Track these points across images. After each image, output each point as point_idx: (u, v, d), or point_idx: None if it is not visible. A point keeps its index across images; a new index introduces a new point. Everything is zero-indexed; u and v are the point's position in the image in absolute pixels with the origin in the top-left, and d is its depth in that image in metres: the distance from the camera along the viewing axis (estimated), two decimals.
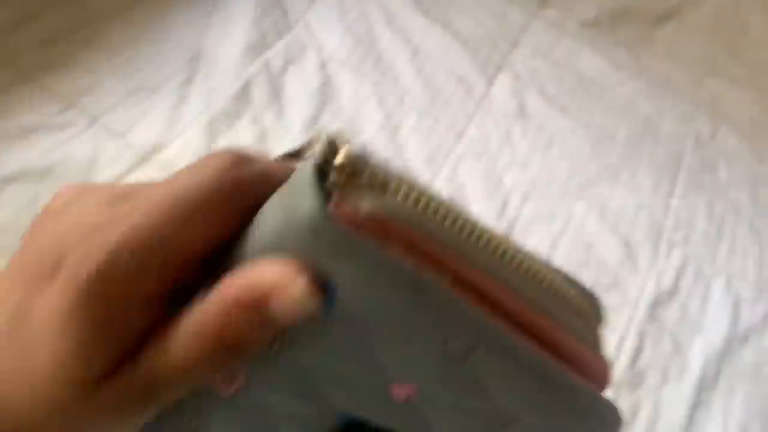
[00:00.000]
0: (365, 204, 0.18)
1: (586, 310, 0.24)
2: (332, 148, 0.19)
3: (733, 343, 0.84)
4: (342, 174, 0.18)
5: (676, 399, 0.79)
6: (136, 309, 0.19)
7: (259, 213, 0.20)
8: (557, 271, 0.24)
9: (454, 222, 0.19)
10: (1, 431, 0.19)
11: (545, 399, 0.21)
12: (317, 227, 0.18)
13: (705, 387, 0.80)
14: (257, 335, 0.19)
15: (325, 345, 0.19)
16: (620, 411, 0.23)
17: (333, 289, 0.18)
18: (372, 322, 0.19)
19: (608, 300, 0.90)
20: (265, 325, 0.19)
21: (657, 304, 0.85)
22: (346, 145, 0.19)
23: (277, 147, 0.89)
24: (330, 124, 0.91)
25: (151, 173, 0.81)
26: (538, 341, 0.20)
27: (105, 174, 0.80)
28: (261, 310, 0.18)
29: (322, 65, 0.96)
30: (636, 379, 0.79)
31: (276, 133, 0.89)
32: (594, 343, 0.24)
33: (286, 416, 0.21)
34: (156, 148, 0.84)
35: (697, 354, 0.82)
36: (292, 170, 0.21)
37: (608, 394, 0.75)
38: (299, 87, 0.94)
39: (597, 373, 0.23)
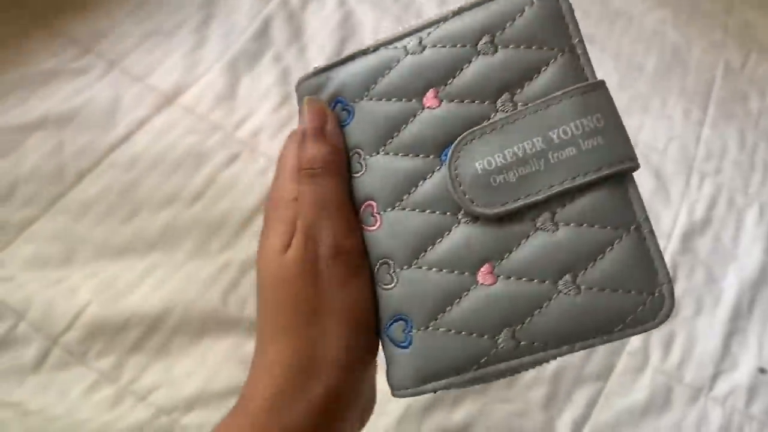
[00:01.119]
0: None
1: None
2: None
3: None
4: None
5: (711, 329, 0.79)
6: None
7: None
8: None
9: None
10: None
11: None
12: None
13: (739, 316, 0.80)
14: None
15: None
16: None
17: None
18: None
19: None
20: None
21: (690, 234, 0.84)
22: None
23: None
24: None
25: (174, 115, 0.80)
26: None
27: (128, 117, 0.79)
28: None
29: (342, 1, 0.93)
30: None
31: (299, 72, 0.87)
32: None
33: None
34: (177, 91, 0.83)
35: (731, 283, 0.82)
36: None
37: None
38: (320, 23, 0.91)
39: None
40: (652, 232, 0.27)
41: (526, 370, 0.28)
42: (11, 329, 0.64)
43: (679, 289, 0.80)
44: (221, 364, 0.65)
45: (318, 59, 0.88)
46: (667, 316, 0.27)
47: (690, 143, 0.92)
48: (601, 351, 0.74)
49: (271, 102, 0.84)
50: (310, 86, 0.31)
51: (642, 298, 0.27)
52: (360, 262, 0.30)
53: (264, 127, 0.82)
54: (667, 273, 0.27)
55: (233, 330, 0.67)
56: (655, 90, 0.95)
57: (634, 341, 0.76)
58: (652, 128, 0.91)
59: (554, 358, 0.28)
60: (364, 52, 0.30)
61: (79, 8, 0.87)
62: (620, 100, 0.92)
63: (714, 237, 0.85)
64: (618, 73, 0.95)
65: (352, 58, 0.31)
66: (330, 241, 0.29)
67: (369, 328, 0.29)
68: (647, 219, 0.28)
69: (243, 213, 0.74)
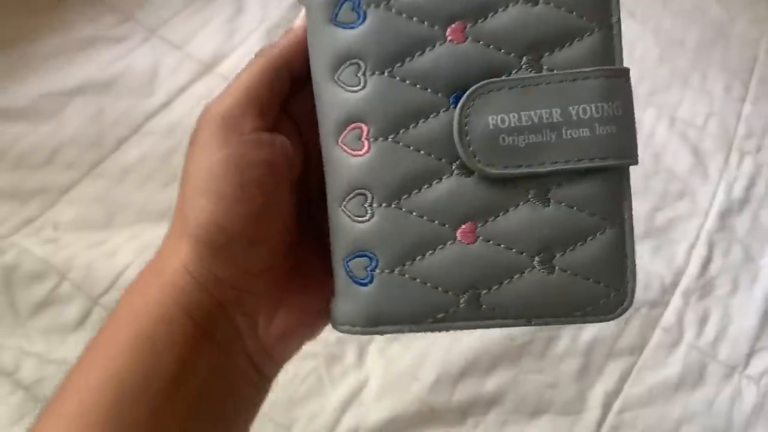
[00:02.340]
0: None
1: None
2: None
3: None
4: None
5: (747, 307, 0.78)
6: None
7: None
8: None
9: None
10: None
11: None
12: None
13: None
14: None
15: None
16: None
17: None
18: None
19: (677, 209, 0.88)
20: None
21: (727, 212, 0.83)
22: None
23: None
24: None
25: (213, 83, 0.81)
26: None
27: (167, 85, 0.80)
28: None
29: None
30: (706, 288, 0.78)
31: None
32: None
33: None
34: (216, 59, 0.83)
35: None
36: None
37: (677, 302, 0.73)
38: None
39: None
40: (632, 230, 0.28)
41: (474, 329, 0.28)
42: (54, 288, 0.66)
43: (715, 267, 0.79)
44: None
45: None
46: (625, 312, 0.28)
47: (730, 120, 0.90)
48: (635, 325, 0.74)
49: None
50: None
51: (607, 291, 0.28)
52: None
53: None
54: (635, 272, 0.28)
55: None
56: (696, 65, 0.93)
57: (669, 318, 0.75)
58: (691, 104, 0.90)
59: (506, 326, 0.28)
60: None
61: None
62: (660, 75, 0.91)
63: (752, 216, 0.84)
64: (659, 47, 0.93)
65: None
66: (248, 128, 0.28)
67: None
68: (631, 217, 0.28)
69: None
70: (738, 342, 0.75)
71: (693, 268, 0.79)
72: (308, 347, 0.33)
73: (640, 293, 0.76)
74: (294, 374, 0.65)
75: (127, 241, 0.69)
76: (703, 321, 0.76)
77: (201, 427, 0.28)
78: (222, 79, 0.81)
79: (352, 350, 0.68)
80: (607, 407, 0.70)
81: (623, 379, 0.71)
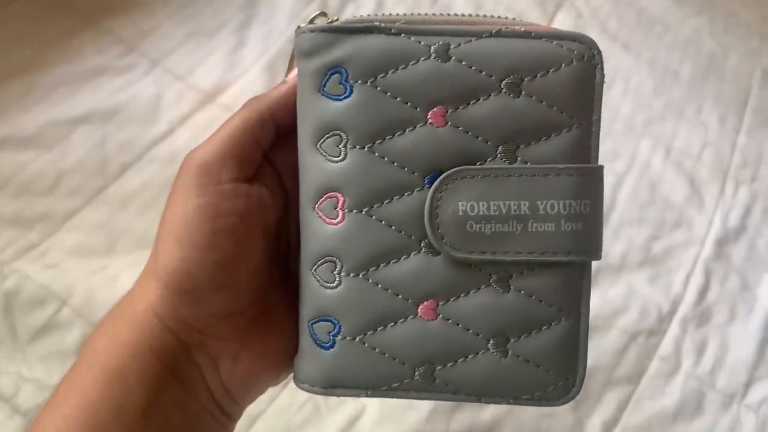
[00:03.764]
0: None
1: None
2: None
3: None
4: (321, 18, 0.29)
5: (744, 336, 0.78)
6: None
7: None
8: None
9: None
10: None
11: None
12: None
13: None
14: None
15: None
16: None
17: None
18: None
19: (674, 238, 0.89)
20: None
21: (724, 241, 0.84)
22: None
23: None
24: None
25: (214, 113, 0.82)
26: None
27: (170, 114, 0.81)
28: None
29: (380, 2, 0.95)
30: (703, 316, 0.78)
31: None
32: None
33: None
34: (218, 90, 0.85)
35: (766, 291, 0.81)
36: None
37: (675, 330, 0.74)
38: None
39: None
40: (587, 323, 0.29)
41: (427, 399, 0.30)
42: (55, 314, 0.66)
43: (712, 296, 0.80)
44: None
45: None
46: (571, 399, 0.30)
47: (725, 150, 0.91)
48: (632, 354, 0.74)
49: None
50: (312, 43, 0.28)
51: (556, 379, 0.29)
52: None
53: None
54: (585, 362, 0.29)
55: None
56: (691, 97, 0.95)
57: (666, 346, 0.75)
58: (686, 134, 0.91)
59: (457, 401, 0.29)
60: (385, 31, 0.28)
61: (124, 9, 0.89)
62: (655, 107, 0.92)
63: (749, 244, 0.84)
64: (653, 79, 0.95)
65: (369, 30, 0.28)
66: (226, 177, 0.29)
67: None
68: (587, 311, 0.29)
69: None
70: (736, 371, 0.75)
71: (690, 296, 0.79)
72: None
73: (638, 322, 0.76)
74: (290, 402, 0.66)
75: (128, 267, 0.70)
76: (700, 349, 0.77)
77: None
78: (223, 109, 0.83)
79: None
80: None
81: (621, 408, 0.71)
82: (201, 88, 0.84)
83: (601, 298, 0.77)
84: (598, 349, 0.74)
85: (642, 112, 0.91)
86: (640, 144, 0.88)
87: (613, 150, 0.87)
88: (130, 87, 0.83)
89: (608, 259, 0.79)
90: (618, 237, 0.81)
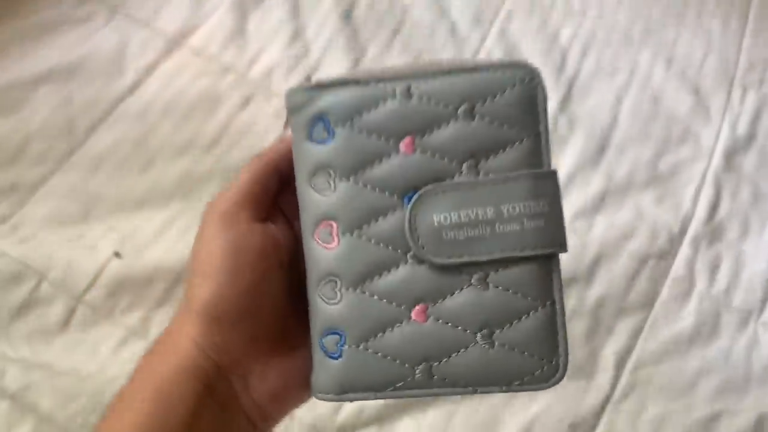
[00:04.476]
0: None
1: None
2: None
3: None
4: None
5: (759, 250, 0.75)
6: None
7: None
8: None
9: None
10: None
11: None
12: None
13: None
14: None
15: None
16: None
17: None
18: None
19: (681, 153, 0.84)
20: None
21: (733, 151, 0.80)
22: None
23: (311, 22, 0.83)
24: None
25: (185, 59, 0.76)
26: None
27: (136, 64, 0.76)
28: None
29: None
30: (715, 233, 0.75)
31: (309, 6, 0.82)
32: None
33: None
34: (185, 33, 0.79)
35: None
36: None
37: (687, 251, 0.70)
38: None
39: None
40: (563, 309, 0.33)
41: (432, 396, 0.33)
42: (34, 289, 0.63)
43: (723, 211, 0.76)
44: None
45: None
46: (558, 382, 0.32)
47: (730, 55, 0.86)
48: (644, 279, 0.71)
49: (282, 38, 0.80)
50: (298, 100, 0.34)
51: (541, 363, 0.32)
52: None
53: (276, 65, 0.78)
54: (566, 347, 0.32)
55: None
56: (690, 0, 0.88)
57: (678, 268, 0.72)
58: (688, 42, 0.85)
59: (456, 394, 0.33)
60: (357, 82, 0.33)
61: None
62: (654, 14, 0.86)
63: (760, 152, 0.80)
64: None
65: (344, 83, 0.33)
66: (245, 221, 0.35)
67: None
68: (562, 298, 0.33)
69: None
70: (752, 287, 0.72)
71: (701, 213, 0.76)
72: None
73: (648, 245, 0.73)
74: None
75: (106, 233, 0.66)
76: (714, 268, 0.74)
77: None
78: (194, 53, 0.77)
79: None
80: (620, 367, 0.67)
81: (635, 336, 0.69)
82: (167, 33, 0.78)
83: (608, 223, 0.74)
84: (608, 276, 0.71)
85: (640, 21, 0.85)
86: (639, 55, 0.83)
87: (612, 63, 0.82)
88: (90, 39, 0.77)
89: (614, 181, 0.75)
90: (623, 156, 0.76)
